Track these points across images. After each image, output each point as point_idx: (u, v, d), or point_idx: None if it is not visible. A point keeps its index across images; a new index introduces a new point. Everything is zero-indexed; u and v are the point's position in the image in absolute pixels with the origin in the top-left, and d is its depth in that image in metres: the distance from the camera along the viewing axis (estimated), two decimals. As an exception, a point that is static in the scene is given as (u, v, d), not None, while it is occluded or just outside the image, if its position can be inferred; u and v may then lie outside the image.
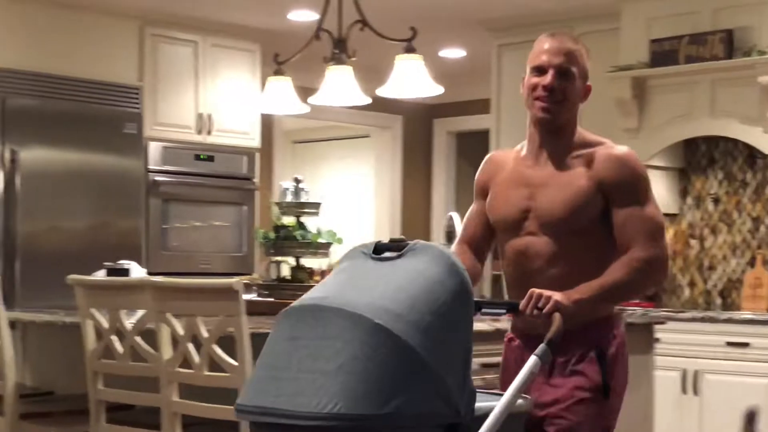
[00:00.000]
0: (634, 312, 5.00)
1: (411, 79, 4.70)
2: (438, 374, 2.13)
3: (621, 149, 2.77)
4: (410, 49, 4.66)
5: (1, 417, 3.83)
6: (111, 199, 6.23)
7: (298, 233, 4.47)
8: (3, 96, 5.78)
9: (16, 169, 5.80)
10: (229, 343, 3.20)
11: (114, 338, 3.52)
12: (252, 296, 4.31)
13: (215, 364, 3.23)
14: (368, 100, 4.90)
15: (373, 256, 2.34)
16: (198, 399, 3.32)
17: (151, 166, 6.51)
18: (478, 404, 2.27)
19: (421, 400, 2.10)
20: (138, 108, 6.42)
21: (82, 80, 6.18)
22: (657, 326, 4.50)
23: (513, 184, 2.81)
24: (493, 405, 2.29)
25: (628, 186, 2.72)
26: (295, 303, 2.26)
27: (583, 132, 2.81)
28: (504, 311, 2.71)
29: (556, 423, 2.69)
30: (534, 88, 2.75)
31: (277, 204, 4.60)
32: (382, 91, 4.80)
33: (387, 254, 2.33)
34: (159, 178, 6.55)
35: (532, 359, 2.38)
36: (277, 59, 4.91)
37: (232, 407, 2.28)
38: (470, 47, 7.44)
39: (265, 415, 2.13)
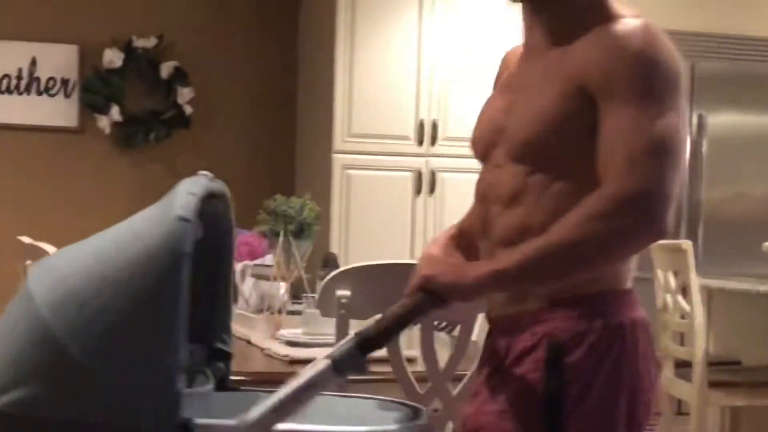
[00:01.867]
0: None
1: None
2: (87, 365, 1.51)
3: (627, 24, 1.64)
4: None
5: (688, 383, 3.80)
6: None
7: None
8: (693, 61, 5.76)
9: (703, 135, 5.76)
10: None
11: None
12: None
13: None
14: None
15: None
16: None
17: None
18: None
19: (43, 401, 1.52)
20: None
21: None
22: None
23: (498, 92, 1.87)
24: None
25: (620, 81, 1.60)
26: None
27: (599, 2, 1.71)
28: None
29: None
30: None
31: None
32: None
33: None
34: None
35: (323, 363, 1.57)
36: None
37: None
38: None
39: None
